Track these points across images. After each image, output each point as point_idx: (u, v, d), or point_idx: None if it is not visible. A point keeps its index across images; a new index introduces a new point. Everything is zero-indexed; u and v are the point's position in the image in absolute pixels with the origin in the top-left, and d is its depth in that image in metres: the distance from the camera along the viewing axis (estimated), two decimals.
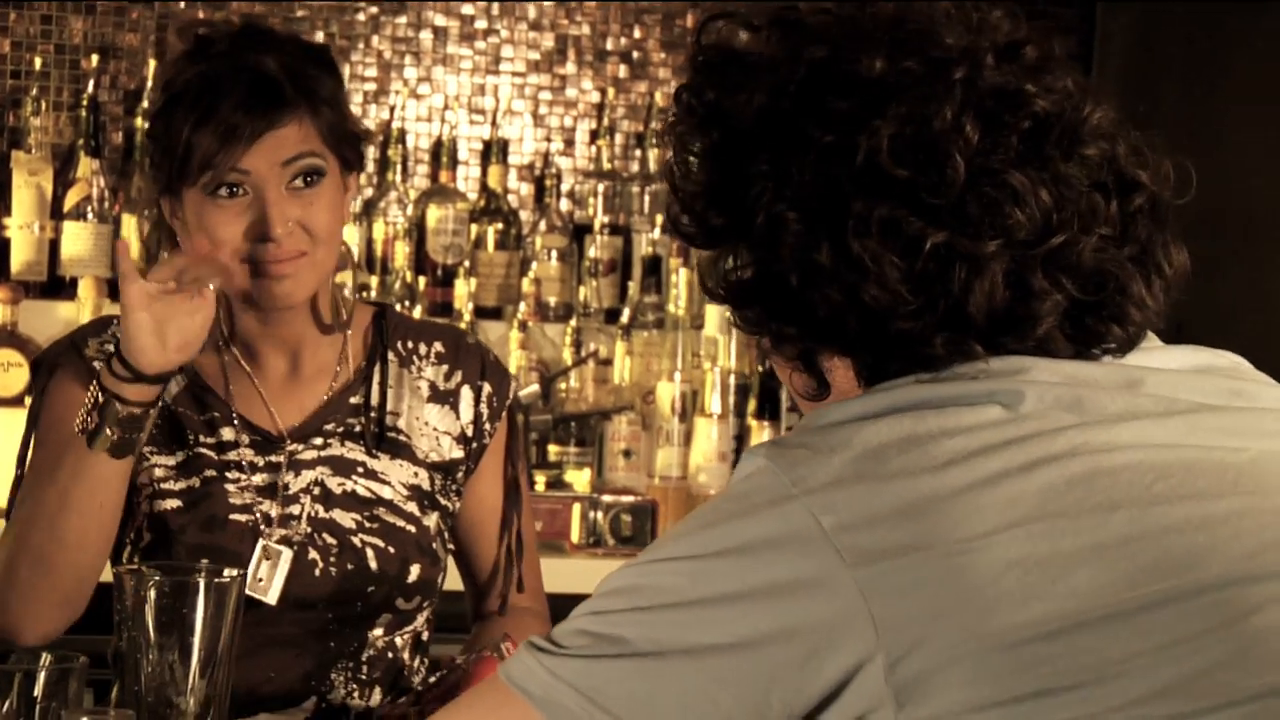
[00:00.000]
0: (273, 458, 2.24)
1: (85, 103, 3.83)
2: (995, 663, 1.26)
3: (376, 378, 2.29)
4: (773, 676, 1.30)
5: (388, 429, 2.27)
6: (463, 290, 3.84)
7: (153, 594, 1.71)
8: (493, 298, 3.97)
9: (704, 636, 1.30)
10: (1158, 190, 1.41)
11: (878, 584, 1.27)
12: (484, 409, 2.32)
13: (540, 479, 3.56)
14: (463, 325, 3.81)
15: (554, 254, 4.01)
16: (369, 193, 4.05)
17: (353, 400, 2.28)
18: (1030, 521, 1.28)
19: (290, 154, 2.18)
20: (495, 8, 4.13)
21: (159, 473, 2.22)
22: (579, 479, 3.64)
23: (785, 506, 1.30)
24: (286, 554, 2.19)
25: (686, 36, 4.18)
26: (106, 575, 1.77)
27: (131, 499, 2.20)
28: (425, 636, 2.31)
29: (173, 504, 2.21)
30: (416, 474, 2.27)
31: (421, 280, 3.92)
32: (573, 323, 3.90)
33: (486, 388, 2.33)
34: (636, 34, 4.18)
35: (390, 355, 2.31)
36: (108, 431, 2.09)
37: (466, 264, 3.93)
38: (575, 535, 3.43)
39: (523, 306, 3.87)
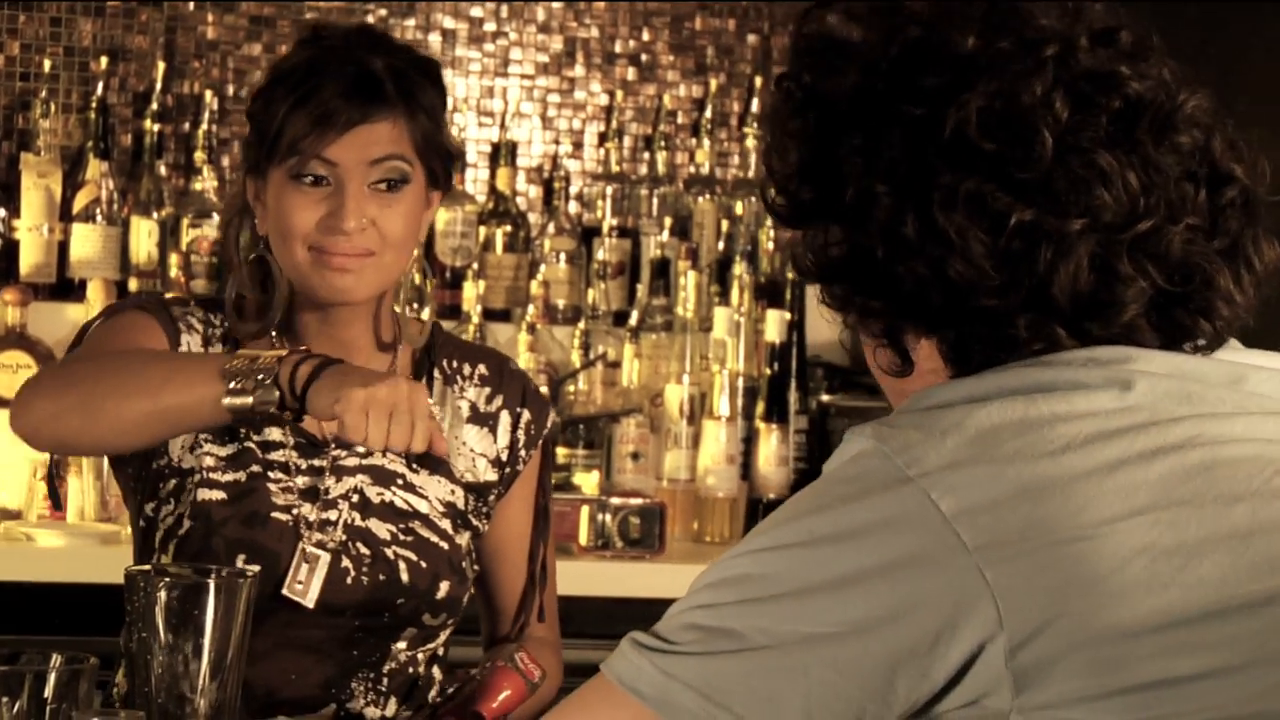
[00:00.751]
0: (316, 461, 2.23)
1: (94, 105, 3.83)
2: (1118, 651, 1.25)
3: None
4: (895, 661, 1.28)
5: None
6: (471, 292, 3.84)
7: (163, 595, 1.71)
8: (501, 300, 3.97)
9: (820, 625, 1.28)
10: (1251, 185, 1.41)
11: (999, 566, 1.26)
12: (521, 435, 2.32)
13: None
14: (471, 327, 3.81)
15: (562, 256, 4.01)
16: None
17: None
18: (1153, 510, 1.27)
19: (379, 153, 2.18)
20: (504, 10, 4.13)
21: (209, 461, 2.20)
22: (587, 481, 3.64)
23: (900, 490, 1.29)
24: (325, 558, 2.17)
25: (695, 39, 4.19)
26: (117, 577, 1.77)
27: (179, 482, 2.19)
28: (443, 653, 2.31)
29: (217, 495, 2.19)
30: (453, 491, 2.27)
31: (430, 282, 3.91)
32: (581, 325, 3.90)
33: (526, 415, 2.33)
34: (645, 36, 4.18)
35: (435, 372, 2.31)
36: (251, 402, 2.01)
37: (475, 266, 3.93)
38: (583, 537, 3.43)
39: (531, 309, 3.87)
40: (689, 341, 3.82)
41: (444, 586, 2.22)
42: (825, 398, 3.84)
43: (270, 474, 2.21)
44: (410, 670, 2.25)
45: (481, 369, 2.33)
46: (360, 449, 2.22)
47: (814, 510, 1.32)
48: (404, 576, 2.20)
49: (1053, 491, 1.27)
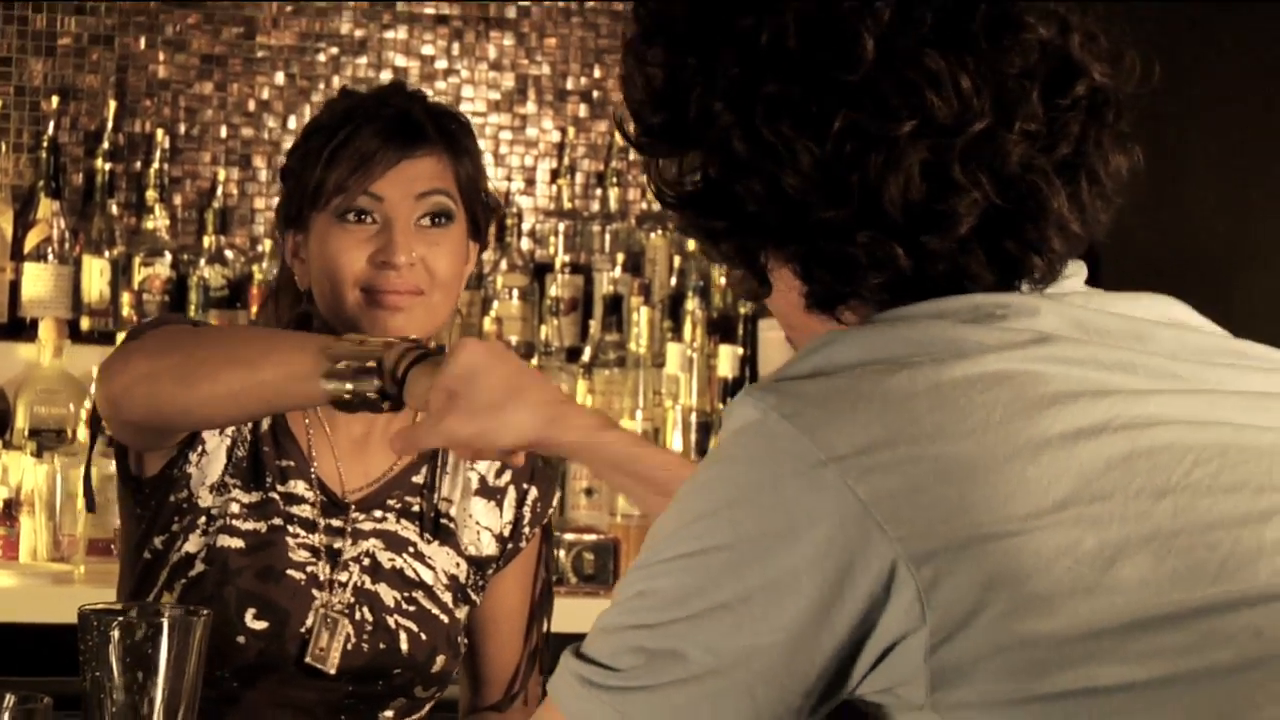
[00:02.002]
0: (335, 521, 2.19)
1: (45, 144, 3.83)
2: (1040, 656, 1.20)
3: (438, 460, 2.26)
4: (826, 657, 1.23)
5: (442, 515, 2.24)
6: None
7: (117, 633, 1.70)
8: (455, 336, 3.98)
9: (760, 634, 1.23)
10: (1107, 82, 1.36)
11: (923, 559, 1.20)
12: (526, 512, 2.30)
13: None
14: None
15: (515, 293, 4.02)
16: None
17: (414, 479, 2.25)
18: (1076, 504, 1.21)
19: (425, 188, 2.17)
20: (455, 48, 4.14)
21: (234, 508, 2.16)
22: None
23: (815, 476, 1.22)
24: (344, 624, 2.14)
25: None
26: (69, 617, 1.76)
27: (198, 521, 2.15)
28: None
29: (236, 543, 2.14)
30: (458, 564, 2.24)
31: None
32: (534, 361, 3.90)
33: (533, 492, 2.30)
34: (596, 73, 4.20)
35: None
36: (350, 388, 1.90)
37: None
38: None
39: None
40: (642, 377, 3.83)
41: (439, 660, 2.19)
42: None
43: (290, 527, 2.17)
44: None
45: None
46: (378, 513, 2.21)
47: (735, 501, 1.25)
48: (404, 647, 2.17)
49: (976, 478, 1.20)
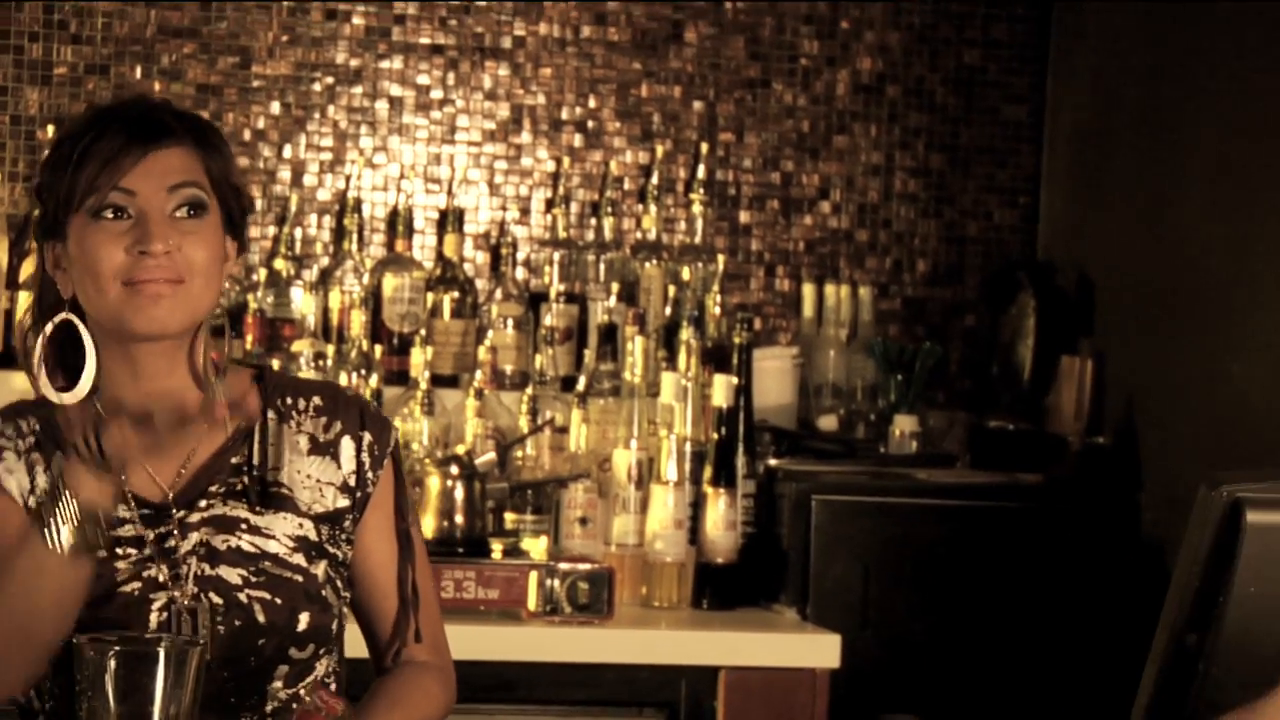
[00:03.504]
0: (162, 528, 2.21)
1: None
2: None
3: (257, 436, 2.27)
4: None
5: (269, 484, 2.26)
6: (419, 359, 3.85)
7: (113, 663, 1.71)
8: (449, 366, 3.98)
9: None
10: None
11: None
12: (366, 457, 2.31)
13: (497, 547, 3.56)
14: (419, 393, 3.81)
15: (510, 322, 4.02)
16: (325, 261, 4.06)
17: (234, 460, 2.26)
18: None
19: (176, 180, 2.20)
20: (450, 77, 4.15)
21: None
22: (535, 547, 3.64)
23: None
24: (202, 608, 2.16)
25: (641, 106, 4.21)
26: None
27: None
28: (333, 686, 2.27)
29: None
30: (301, 525, 2.25)
31: (378, 349, 3.92)
32: (529, 390, 3.90)
33: (367, 436, 2.31)
34: (591, 104, 4.21)
35: (270, 413, 2.29)
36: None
37: (423, 332, 3.93)
38: (532, 603, 3.42)
39: (479, 374, 3.88)
40: (636, 406, 3.83)
41: (304, 618, 2.20)
42: (773, 461, 3.85)
43: (120, 550, 2.19)
44: (295, 706, 2.21)
45: (316, 400, 2.32)
46: (201, 503, 2.22)
47: None
48: (260, 617, 2.18)
49: None
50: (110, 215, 2.18)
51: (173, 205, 2.19)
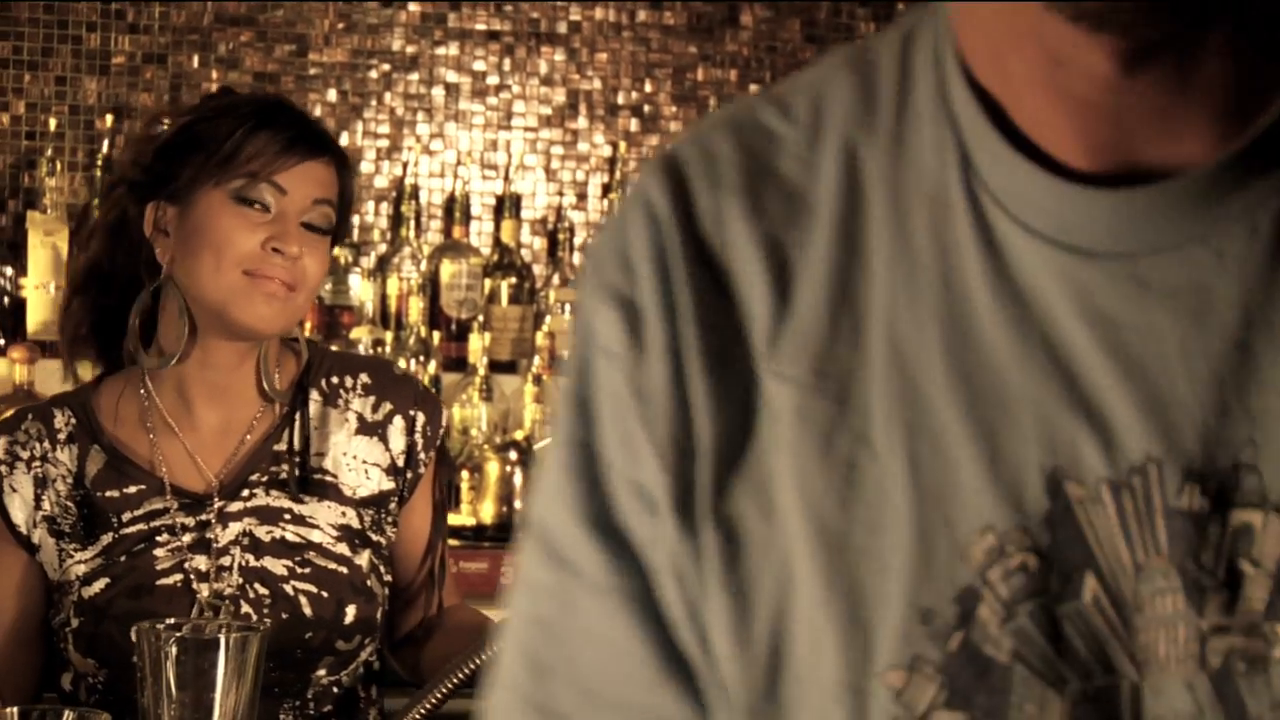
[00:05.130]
0: (202, 516, 2.21)
1: (100, 163, 3.85)
2: None
3: (299, 421, 2.28)
4: None
5: (312, 471, 2.25)
6: (477, 344, 3.85)
7: (174, 650, 1.71)
8: (507, 351, 3.99)
9: None
10: None
11: None
12: (418, 438, 2.30)
13: None
14: (477, 379, 3.82)
15: (568, 307, 4.02)
16: (382, 248, 4.07)
17: (276, 448, 2.26)
18: None
19: (320, 194, 2.23)
20: (507, 63, 4.15)
21: (81, 570, 2.19)
22: None
23: None
24: (225, 607, 2.16)
25: (697, 90, 4.21)
26: None
27: (66, 589, 2.19)
28: (376, 666, 2.29)
29: (100, 584, 2.18)
30: (344, 514, 2.24)
31: (436, 335, 3.93)
32: None
33: (420, 417, 2.31)
34: (648, 88, 4.20)
35: (314, 394, 2.29)
36: None
37: (480, 318, 3.94)
38: None
39: (537, 360, 3.88)
40: None
41: (350, 611, 2.20)
42: None
43: (157, 539, 2.19)
44: (336, 691, 2.22)
45: (364, 378, 2.31)
46: (244, 493, 2.23)
47: None
48: (306, 610, 2.18)
49: None
50: (255, 205, 2.19)
51: (310, 216, 2.22)
